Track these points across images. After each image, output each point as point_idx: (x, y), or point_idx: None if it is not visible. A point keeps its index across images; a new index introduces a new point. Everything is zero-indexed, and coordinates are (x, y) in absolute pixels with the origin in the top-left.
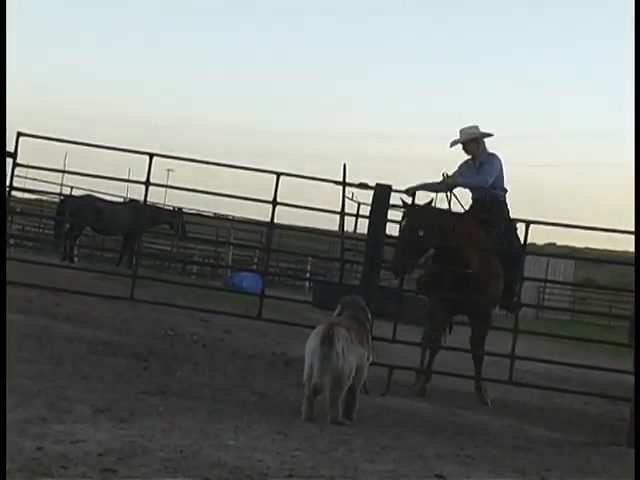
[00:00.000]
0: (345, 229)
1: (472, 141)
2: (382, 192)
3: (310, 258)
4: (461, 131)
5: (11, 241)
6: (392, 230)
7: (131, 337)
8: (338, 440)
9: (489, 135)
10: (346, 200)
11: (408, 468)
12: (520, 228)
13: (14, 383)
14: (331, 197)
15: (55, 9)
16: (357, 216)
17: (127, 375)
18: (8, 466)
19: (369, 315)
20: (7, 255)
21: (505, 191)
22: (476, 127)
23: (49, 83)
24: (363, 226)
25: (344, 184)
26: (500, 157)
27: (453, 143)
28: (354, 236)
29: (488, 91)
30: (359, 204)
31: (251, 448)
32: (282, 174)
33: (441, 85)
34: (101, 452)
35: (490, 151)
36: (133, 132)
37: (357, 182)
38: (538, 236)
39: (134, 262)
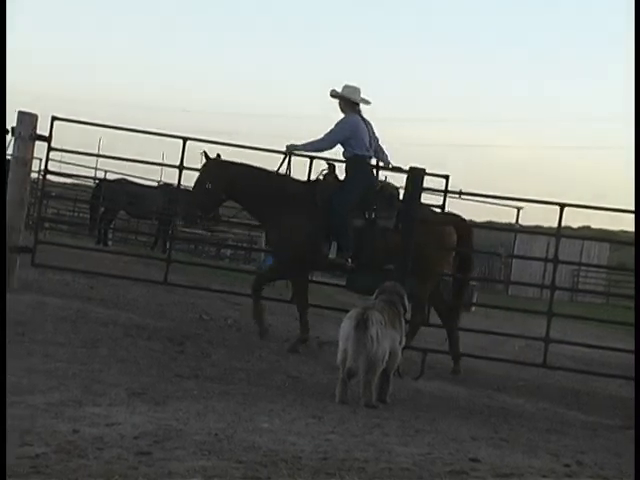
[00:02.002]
0: None
1: (341, 100)
2: (416, 175)
3: None
4: (345, 87)
5: (46, 225)
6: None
7: (166, 321)
8: (372, 423)
9: (355, 101)
10: None
11: (442, 451)
12: (556, 211)
13: (49, 366)
14: None
15: None
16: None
17: (162, 359)
18: (44, 449)
19: (405, 300)
20: (42, 238)
21: (381, 153)
22: (355, 90)
23: (82, 66)
24: None
25: (377, 168)
26: (356, 119)
27: (332, 94)
28: None
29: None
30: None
31: (285, 431)
32: (314, 158)
33: (469, 69)
34: (136, 435)
35: (347, 115)
36: (166, 116)
37: (391, 166)
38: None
39: (168, 246)
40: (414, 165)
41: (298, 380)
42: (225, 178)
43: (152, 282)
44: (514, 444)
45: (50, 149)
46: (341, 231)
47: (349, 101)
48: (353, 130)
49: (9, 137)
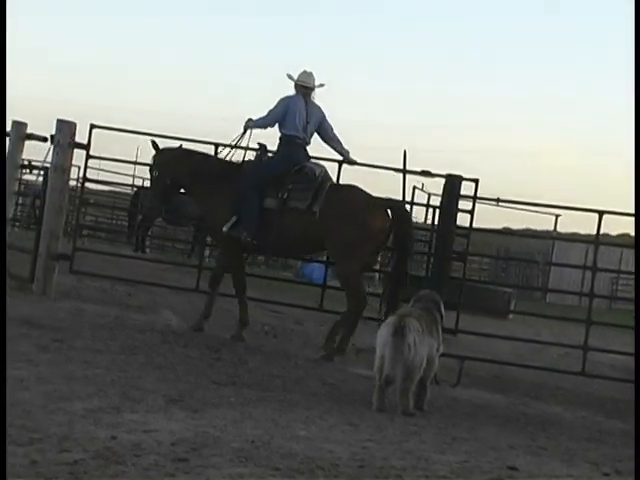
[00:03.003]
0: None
1: (295, 84)
2: (453, 182)
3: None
4: (309, 74)
5: (84, 232)
6: (463, 221)
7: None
8: (409, 431)
9: (292, 79)
10: (416, 190)
11: (480, 459)
12: (594, 218)
13: (88, 373)
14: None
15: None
16: (427, 206)
17: (199, 365)
18: (82, 455)
19: (442, 308)
20: (81, 246)
21: (336, 143)
22: (306, 74)
23: (121, 74)
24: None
25: (404, 171)
26: (294, 99)
27: (288, 76)
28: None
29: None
30: (429, 194)
31: (322, 439)
32: (342, 162)
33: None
34: (173, 442)
35: (288, 95)
36: (203, 124)
37: (419, 169)
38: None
39: (205, 253)
40: (451, 172)
41: (335, 387)
42: (165, 164)
43: (183, 289)
44: (552, 452)
45: (88, 157)
46: (244, 207)
47: (297, 84)
48: (286, 109)
49: (48, 144)
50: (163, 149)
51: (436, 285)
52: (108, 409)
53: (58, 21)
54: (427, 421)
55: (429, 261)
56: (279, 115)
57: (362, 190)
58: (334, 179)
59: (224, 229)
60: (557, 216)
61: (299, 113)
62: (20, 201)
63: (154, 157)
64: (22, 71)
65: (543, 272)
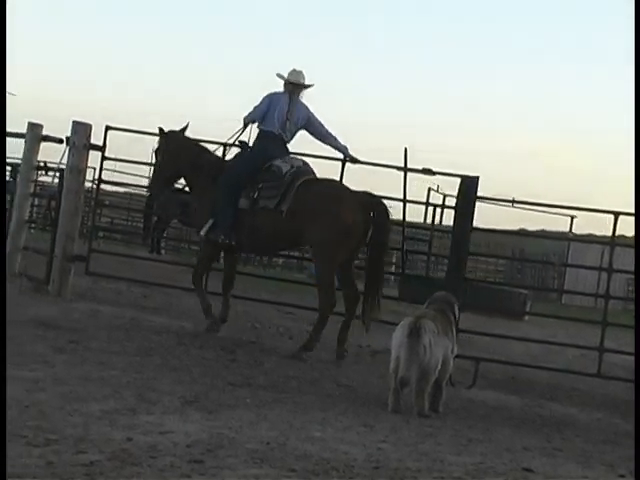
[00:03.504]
0: (426, 220)
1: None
2: (469, 183)
3: (395, 252)
4: (299, 72)
5: (100, 234)
6: (479, 222)
7: (223, 330)
8: (425, 433)
9: (282, 78)
10: (431, 192)
11: (495, 461)
12: (610, 219)
13: (104, 374)
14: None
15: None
16: (443, 207)
17: (215, 367)
18: (98, 456)
19: (456, 309)
20: (96, 247)
21: (331, 139)
22: (296, 73)
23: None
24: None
25: (405, 169)
26: (277, 96)
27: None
28: (422, 226)
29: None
30: (445, 195)
31: (337, 440)
32: (345, 161)
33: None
34: (189, 443)
35: (272, 91)
36: (218, 126)
37: (420, 167)
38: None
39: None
40: (467, 174)
41: (350, 389)
42: (172, 153)
43: (189, 290)
44: (568, 454)
45: (104, 158)
46: (220, 209)
47: (286, 82)
48: (269, 105)
49: (64, 146)
50: (168, 132)
51: (452, 286)
52: (124, 410)
53: (75, 23)
54: (442, 423)
55: (428, 261)
56: (263, 111)
57: (337, 184)
58: (337, 177)
59: (201, 233)
60: (572, 217)
61: (279, 109)
62: (36, 203)
63: (159, 141)
64: (38, 72)
65: (559, 273)
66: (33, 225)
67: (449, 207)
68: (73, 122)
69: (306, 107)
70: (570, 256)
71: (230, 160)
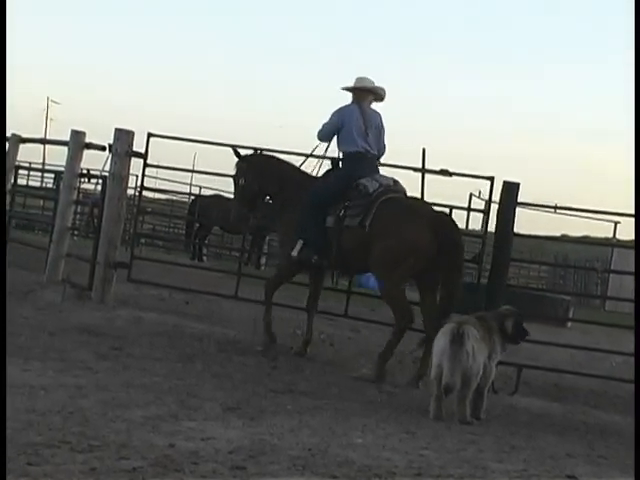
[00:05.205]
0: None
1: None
2: (510, 189)
3: None
4: (363, 77)
5: (142, 240)
6: (520, 228)
7: (259, 336)
8: (467, 440)
9: (348, 89)
10: (473, 197)
11: (538, 468)
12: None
13: (146, 381)
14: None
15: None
16: (486, 213)
17: (256, 374)
18: (140, 463)
19: (508, 322)
20: (138, 254)
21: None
22: (362, 79)
23: (178, 82)
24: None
25: (423, 171)
26: (349, 109)
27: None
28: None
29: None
30: (487, 202)
31: (379, 447)
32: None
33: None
34: (231, 449)
35: (344, 105)
36: (259, 132)
37: (438, 169)
38: None
39: (259, 261)
40: (508, 179)
41: (391, 395)
42: (253, 170)
43: (223, 296)
44: (611, 462)
45: (146, 165)
46: (305, 228)
47: (355, 90)
48: (341, 122)
49: (106, 153)
50: (245, 156)
51: (494, 293)
52: (166, 417)
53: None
54: (485, 429)
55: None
56: (334, 129)
57: (415, 202)
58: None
59: (293, 254)
60: (616, 223)
61: (355, 125)
62: (79, 210)
63: (237, 164)
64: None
65: (602, 280)
66: (76, 232)
67: (478, 210)
68: (115, 129)
69: (378, 114)
70: (613, 262)
71: (319, 179)
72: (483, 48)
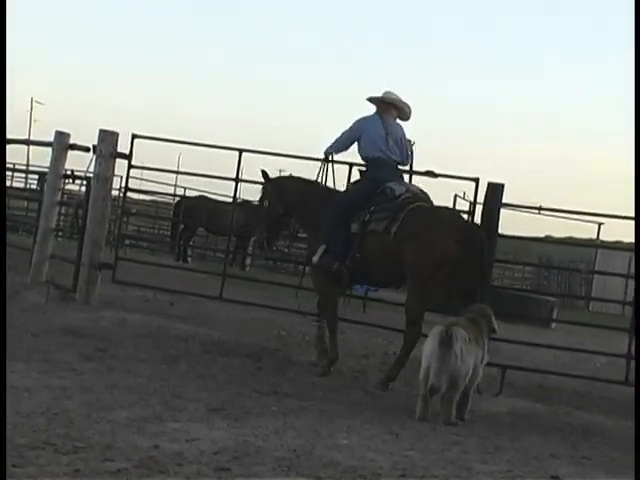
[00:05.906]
0: None
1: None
2: (494, 190)
3: None
4: (388, 91)
5: (127, 242)
6: (504, 229)
7: (244, 337)
8: (451, 440)
9: (372, 100)
10: (457, 198)
11: (522, 469)
12: None
13: (130, 382)
14: None
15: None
16: (471, 214)
17: (241, 375)
18: (125, 464)
19: (492, 321)
20: (123, 255)
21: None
22: (389, 92)
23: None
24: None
25: (410, 172)
26: (369, 119)
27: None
28: None
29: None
30: (472, 203)
31: (364, 448)
32: (354, 164)
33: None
34: (216, 451)
35: (364, 115)
36: (244, 133)
37: (423, 170)
38: None
39: (244, 262)
40: (492, 180)
41: (376, 396)
42: (277, 193)
43: (208, 297)
44: (595, 462)
45: (130, 167)
46: (332, 236)
47: (380, 102)
48: (361, 130)
49: (90, 154)
50: (273, 178)
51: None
52: (150, 418)
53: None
54: (469, 430)
55: None
56: (352, 137)
57: (444, 212)
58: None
59: (314, 259)
60: (600, 224)
61: (376, 132)
62: (63, 211)
63: (264, 186)
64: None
65: (586, 281)
66: (60, 233)
67: (462, 212)
68: (100, 130)
69: (401, 127)
70: (597, 263)
71: (348, 186)
72: (483, 48)
